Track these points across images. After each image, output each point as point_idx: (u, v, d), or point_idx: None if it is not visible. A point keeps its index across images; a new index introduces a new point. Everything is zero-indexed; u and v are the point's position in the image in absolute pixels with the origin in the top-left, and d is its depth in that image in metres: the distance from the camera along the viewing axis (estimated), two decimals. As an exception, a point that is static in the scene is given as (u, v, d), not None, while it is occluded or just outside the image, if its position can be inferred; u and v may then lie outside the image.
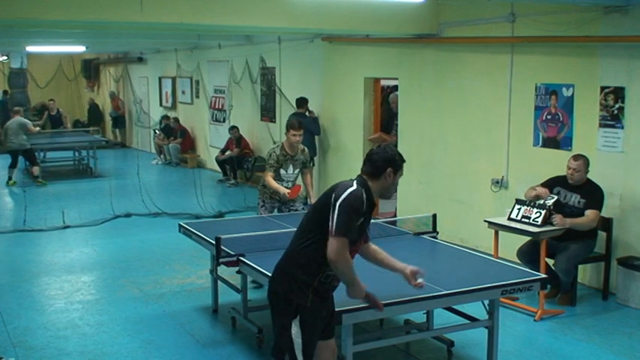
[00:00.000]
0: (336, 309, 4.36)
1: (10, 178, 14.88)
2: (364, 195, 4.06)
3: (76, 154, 17.81)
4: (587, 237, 7.09)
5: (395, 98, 11.20)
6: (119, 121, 22.76)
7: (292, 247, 4.27)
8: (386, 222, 7.33)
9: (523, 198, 7.20)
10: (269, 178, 7.73)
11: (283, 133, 13.64)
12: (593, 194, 7.02)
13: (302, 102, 12.26)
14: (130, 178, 14.82)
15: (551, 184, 7.28)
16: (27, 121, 15.49)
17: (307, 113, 12.12)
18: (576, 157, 7.14)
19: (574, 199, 7.08)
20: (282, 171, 7.81)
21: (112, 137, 23.12)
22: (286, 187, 7.78)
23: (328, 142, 12.38)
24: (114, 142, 22.58)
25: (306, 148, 8.07)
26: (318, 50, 12.41)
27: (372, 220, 7.36)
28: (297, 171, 7.96)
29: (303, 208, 7.78)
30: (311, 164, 8.45)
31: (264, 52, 14.08)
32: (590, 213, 6.92)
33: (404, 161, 4.35)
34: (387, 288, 4.94)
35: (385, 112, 12.21)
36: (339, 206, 3.97)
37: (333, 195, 4.05)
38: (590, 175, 7.25)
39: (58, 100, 22.22)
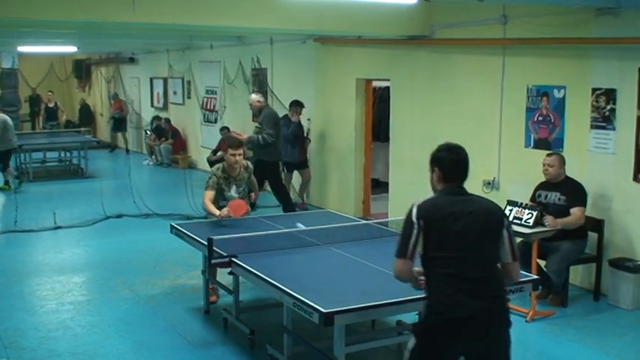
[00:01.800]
0: (328, 310, 4.36)
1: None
2: None
3: (67, 154, 17.75)
4: (578, 237, 7.12)
5: None
6: (121, 123, 21.02)
7: (486, 272, 3.77)
8: (378, 223, 7.34)
9: (514, 199, 7.22)
10: (206, 200, 7.23)
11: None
12: (574, 192, 7.08)
13: (292, 105, 11.98)
14: (122, 178, 14.78)
15: (535, 190, 7.39)
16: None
17: (292, 118, 11.83)
18: (550, 154, 7.32)
19: (554, 197, 7.15)
20: (226, 193, 7.38)
21: (113, 141, 21.58)
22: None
23: (320, 143, 12.37)
24: (113, 146, 21.34)
25: (249, 163, 7.68)
26: (310, 51, 12.41)
27: (364, 222, 7.41)
28: (241, 189, 7.50)
29: None
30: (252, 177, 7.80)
31: (256, 52, 14.07)
32: (576, 211, 6.97)
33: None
34: (378, 288, 4.96)
35: (377, 113, 12.24)
36: (511, 227, 3.87)
37: (502, 216, 3.90)
38: (580, 177, 7.29)
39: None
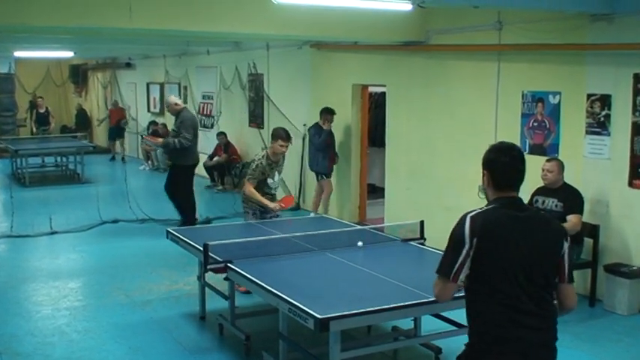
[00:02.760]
0: (324, 316, 4.36)
1: None
2: None
3: (63, 159, 17.73)
4: (574, 243, 7.09)
5: None
6: (120, 131, 20.78)
7: (544, 304, 3.31)
8: (374, 228, 7.35)
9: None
10: (251, 189, 7.65)
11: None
12: (571, 198, 7.10)
13: (322, 112, 11.22)
14: (118, 184, 14.78)
15: (532, 196, 7.40)
16: None
17: (323, 125, 11.14)
18: (549, 159, 7.34)
19: (552, 203, 7.16)
20: (269, 180, 7.77)
21: (112, 150, 20.96)
22: (271, 196, 7.81)
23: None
24: (114, 154, 20.73)
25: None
26: (306, 57, 12.43)
27: (360, 227, 7.42)
28: (280, 177, 7.94)
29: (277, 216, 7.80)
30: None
31: (252, 58, 14.08)
32: (573, 217, 6.99)
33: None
34: (373, 294, 4.96)
35: (373, 119, 12.26)
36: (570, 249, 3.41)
37: (564, 238, 3.40)
38: (576, 182, 7.31)
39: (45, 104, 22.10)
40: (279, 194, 8.75)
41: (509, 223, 3.31)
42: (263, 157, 7.75)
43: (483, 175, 3.49)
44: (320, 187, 11.41)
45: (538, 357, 3.32)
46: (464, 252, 3.26)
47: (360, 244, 6.40)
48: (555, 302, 3.40)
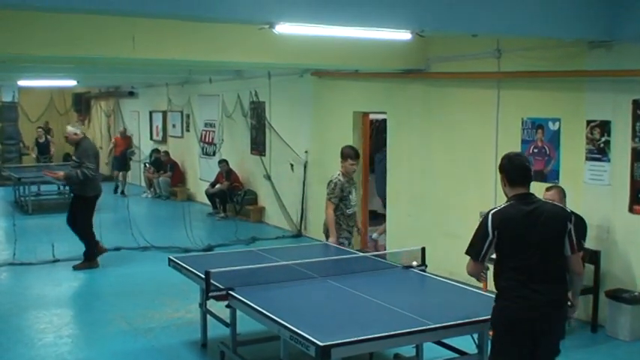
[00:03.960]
0: (325, 343, 4.37)
1: None
2: None
3: (66, 187, 17.72)
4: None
5: None
6: (126, 161, 19.33)
7: (553, 274, 4.45)
8: (375, 255, 7.36)
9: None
10: (331, 212, 7.76)
11: (274, 166, 13.78)
12: (574, 225, 7.06)
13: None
14: (120, 211, 14.78)
15: None
16: None
17: None
18: (549, 189, 7.26)
19: None
20: (350, 197, 7.86)
21: (116, 181, 19.38)
22: (353, 212, 7.93)
23: (317, 175, 12.41)
24: (117, 185, 19.14)
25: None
26: (307, 85, 12.52)
27: (361, 254, 7.43)
28: (355, 195, 8.00)
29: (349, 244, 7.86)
30: None
31: (254, 86, 14.18)
32: (575, 244, 6.97)
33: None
34: (375, 321, 4.97)
35: (373, 145, 12.30)
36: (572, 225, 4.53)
37: (567, 219, 4.52)
38: (577, 208, 7.30)
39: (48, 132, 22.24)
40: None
41: (522, 215, 4.42)
42: (339, 174, 7.88)
43: (501, 179, 4.60)
44: None
45: (546, 311, 4.38)
46: (488, 241, 4.44)
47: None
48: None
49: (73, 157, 10.32)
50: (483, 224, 4.47)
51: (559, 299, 4.45)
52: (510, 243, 4.41)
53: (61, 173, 10.31)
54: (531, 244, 4.37)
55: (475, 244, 4.51)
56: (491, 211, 4.47)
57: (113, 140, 20.13)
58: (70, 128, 10.65)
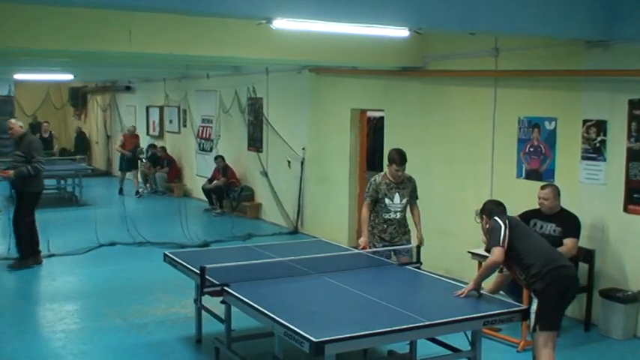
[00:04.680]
0: (319, 339, 4.37)
1: None
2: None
3: (62, 182, 17.74)
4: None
5: None
6: (135, 161, 18.28)
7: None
8: (371, 252, 7.36)
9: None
10: (363, 211, 7.40)
11: (271, 162, 13.78)
12: (569, 223, 7.11)
13: None
14: (116, 206, 14.79)
15: (526, 216, 7.39)
16: None
17: None
18: (544, 187, 7.31)
19: (550, 228, 7.16)
20: (387, 200, 7.32)
21: (121, 183, 18.23)
22: (393, 219, 7.34)
23: (314, 172, 12.43)
24: (120, 185, 18.05)
25: (412, 177, 7.55)
26: (305, 81, 12.52)
27: (357, 251, 7.43)
28: (404, 201, 7.38)
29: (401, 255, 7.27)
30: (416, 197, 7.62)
31: (251, 82, 14.17)
32: (569, 242, 6.99)
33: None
34: (370, 317, 4.98)
35: (371, 143, 12.31)
36: None
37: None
38: (572, 207, 7.33)
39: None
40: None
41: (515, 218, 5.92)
42: (379, 175, 7.46)
43: (482, 219, 5.83)
44: None
45: (572, 277, 5.59)
46: (503, 228, 5.43)
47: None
48: None
49: (18, 153, 9.97)
50: (494, 223, 5.53)
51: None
52: (524, 231, 5.70)
53: (12, 172, 9.97)
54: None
55: (494, 235, 5.42)
56: (496, 217, 5.62)
57: (121, 138, 18.87)
58: (14, 121, 10.44)
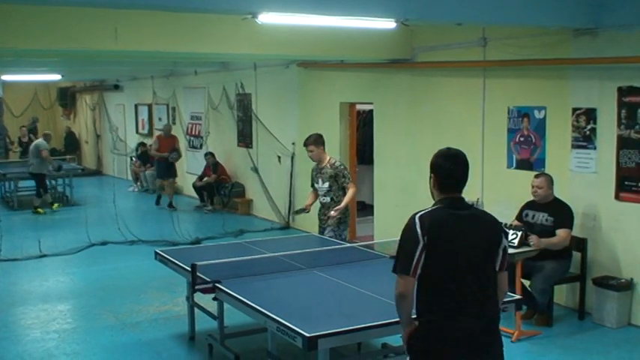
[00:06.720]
0: (312, 334, 4.35)
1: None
2: None
3: (52, 182, 17.64)
4: (562, 257, 7.15)
5: None
6: (172, 166, 15.47)
7: (486, 292, 3.68)
8: (363, 245, 7.35)
9: (498, 220, 7.23)
10: (310, 192, 8.26)
11: (261, 158, 13.77)
12: (561, 212, 7.12)
13: None
14: (106, 205, 14.72)
15: (521, 210, 7.41)
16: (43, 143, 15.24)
17: None
18: (538, 175, 7.36)
19: (542, 217, 7.18)
20: (315, 185, 8.08)
21: (159, 191, 15.91)
22: (323, 203, 8.03)
23: (304, 167, 12.38)
24: (157, 193, 15.91)
25: (337, 162, 8.06)
26: (293, 76, 12.48)
27: (349, 244, 7.42)
28: (326, 185, 7.93)
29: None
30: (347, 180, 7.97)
31: (239, 78, 14.12)
32: (561, 232, 7.01)
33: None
34: (363, 311, 4.96)
35: (361, 136, 12.29)
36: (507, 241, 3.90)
37: (502, 232, 3.82)
38: (563, 196, 7.34)
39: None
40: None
41: (453, 221, 3.66)
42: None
43: (430, 178, 3.80)
44: None
45: (479, 342, 3.64)
46: (419, 248, 3.55)
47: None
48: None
49: None
50: (410, 231, 3.60)
51: (494, 324, 3.75)
52: (441, 252, 3.58)
53: None
54: (465, 254, 3.61)
55: (402, 256, 3.62)
56: (417, 215, 3.63)
57: (155, 139, 16.17)
58: None
